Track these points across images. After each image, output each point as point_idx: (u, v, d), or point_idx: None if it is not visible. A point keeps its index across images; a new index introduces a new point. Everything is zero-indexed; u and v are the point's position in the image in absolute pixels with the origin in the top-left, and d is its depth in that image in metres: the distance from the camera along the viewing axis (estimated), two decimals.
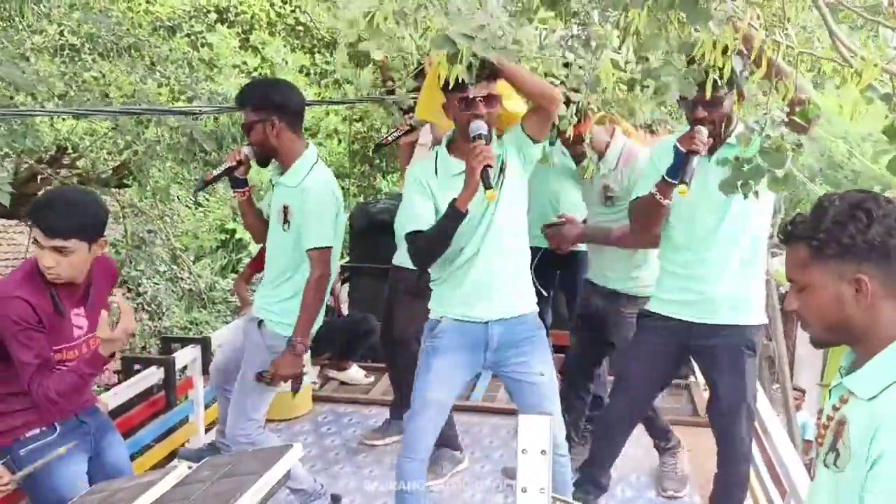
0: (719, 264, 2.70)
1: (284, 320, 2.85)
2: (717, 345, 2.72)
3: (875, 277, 1.38)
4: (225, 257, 10.76)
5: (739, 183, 2.06)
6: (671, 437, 3.53)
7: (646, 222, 2.79)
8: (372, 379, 4.78)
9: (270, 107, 2.82)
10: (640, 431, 3.08)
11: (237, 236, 10.92)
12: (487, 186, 2.41)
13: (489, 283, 2.61)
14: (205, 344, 4.06)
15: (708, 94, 2.24)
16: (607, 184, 3.24)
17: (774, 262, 6.20)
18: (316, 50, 6.38)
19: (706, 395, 4.47)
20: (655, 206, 2.65)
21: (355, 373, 4.77)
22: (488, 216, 2.57)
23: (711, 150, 2.64)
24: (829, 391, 1.51)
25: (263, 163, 2.97)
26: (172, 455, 3.82)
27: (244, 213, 3.14)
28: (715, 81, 2.16)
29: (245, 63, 7.30)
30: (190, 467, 2.04)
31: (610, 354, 3.47)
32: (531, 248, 3.01)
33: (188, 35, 6.65)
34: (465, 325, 2.64)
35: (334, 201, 2.90)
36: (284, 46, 6.94)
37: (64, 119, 6.69)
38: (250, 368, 2.88)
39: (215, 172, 2.99)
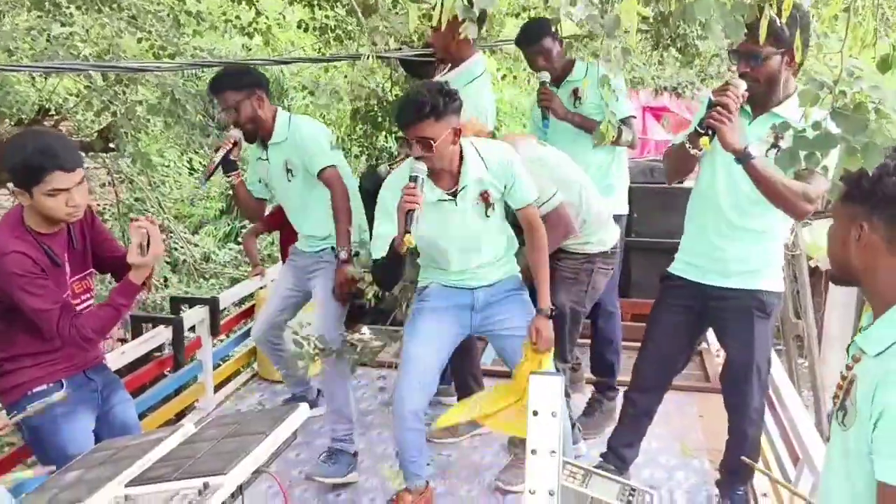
0: (734, 227, 2.64)
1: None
2: (728, 307, 2.70)
3: (877, 230, 1.38)
4: (228, 224, 10.52)
5: (803, 155, 1.64)
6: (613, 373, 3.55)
7: (674, 169, 2.77)
8: (382, 342, 4.75)
9: (250, 83, 3.06)
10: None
11: None
12: (406, 231, 2.43)
13: (473, 269, 2.78)
14: (213, 304, 4.04)
15: (763, 37, 1.95)
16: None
17: (805, 234, 6.02)
18: (316, 3, 5.99)
19: (719, 360, 4.45)
20: (684, 155, 2.60)
21: (366, 336, 4.74)
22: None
23: (756, 113, 2.57)
24: (847, 349, 1.48)
25: (252, 138, 3.18)
26: (181, 415, 3.84)
27: (237, 195, 3.33)
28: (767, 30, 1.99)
29: (238, 17, 6.64)
30: (197, 425, 2.03)
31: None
32: None
33: None
34: (451, 288, 2.79)
35: (324, 129, 3.24)
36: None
37: (45, 77, 6.35)
38: (329, 291, 3.24)
39: (215, 160, 3.10)
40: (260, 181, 3.32)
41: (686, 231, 2.84)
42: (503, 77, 7.57)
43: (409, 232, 2.43)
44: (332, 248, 3.25)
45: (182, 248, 8.55)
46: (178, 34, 5.68)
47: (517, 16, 5.83)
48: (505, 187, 2.68)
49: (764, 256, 2.69)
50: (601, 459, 3.00)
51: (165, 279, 8.05)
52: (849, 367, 1.42)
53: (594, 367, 3.79)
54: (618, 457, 2.98)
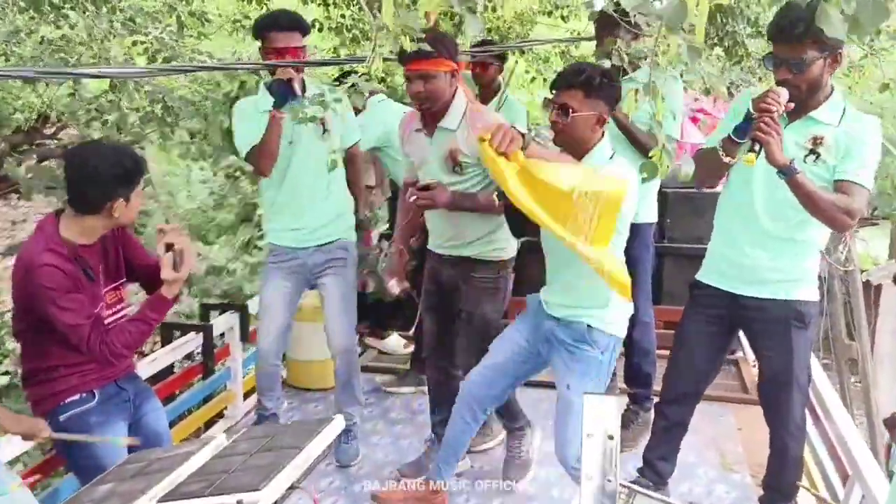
0: (769, 236, 2.55)
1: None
2: (763, 318, 2.61)
3: None
4: (248, 233, 10.06)
5: None
6: (520, 416, 3.23)
7: (705, 175, 2.66)
8: (412, 348, 4.70)
9: (305, 29, 3.12)
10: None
11: (259, 211, 10.21)
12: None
13: None
14: (243, 311, 4.02)
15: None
16: (455, 148, 2.85)
17: (858, 246, 5.76)
18: (332, 1, 5.73)
19: (755, 370, 4.34)
20: (716, 161, 2.48)
21: (395, 342, 4.71)
22: None
23: (792, 117, 2.46)
24: None
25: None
26: (210, 423, 3.81)
27: (271, 136, 3.07)
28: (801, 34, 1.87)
29: (247, 17, 6.21)
30: (228, 435, 1.99)
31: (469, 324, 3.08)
32: None
33: None
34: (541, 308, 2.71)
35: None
36: None
37: (47, 84, 6.08)
38: (351, 286, 3.34)
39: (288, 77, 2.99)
40: (290, 143, 3.15)
41: (714, 238, 2.74)
42: (532, 79, 7.43)
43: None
44: (341, 240, 3.28)
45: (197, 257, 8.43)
46: (179, 36, 5.34)
47: (549, 14, 5.74)
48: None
49: (801, 265, 2.59)
50: (638, 474, 2.91)
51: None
52: None
53: (629, 378, 3.69)
54: (654, 471, 2.89)
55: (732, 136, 2.40)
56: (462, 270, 2.99)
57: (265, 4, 5.95)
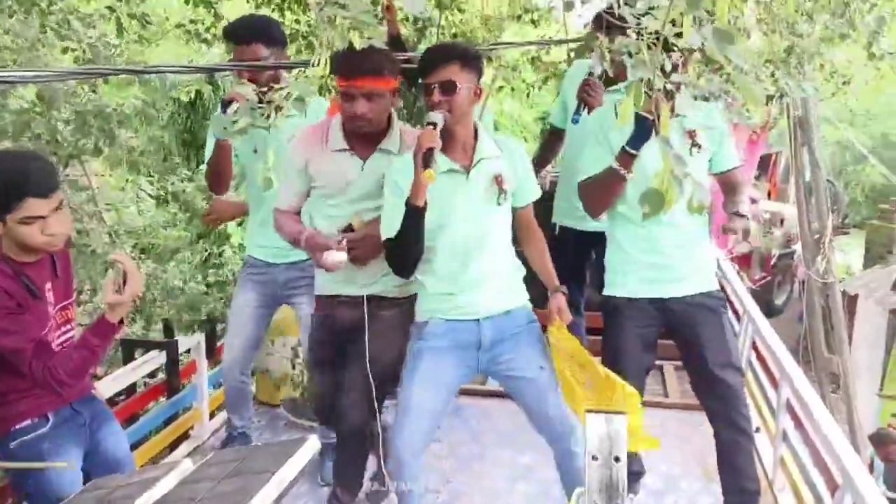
0: (682, 234, 2.64)
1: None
2: (691, 312, 2.67)
3: None
4: (205, 250, 9.38)
5: None
6: None
7: (603, 201, 2.65)
8: None
9: (280, 41, 2.90)
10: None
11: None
12: (426, 166, 2.25)
13: (476, 280, 2.49)
14: (210, 325, 3.87)
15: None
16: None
17: (836, 257, 5.75)
18: (286, 6, 5.39)
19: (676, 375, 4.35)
20: (618, 180, 2.50)
21: None
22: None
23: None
24: None
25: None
26: (175, 444, 3.65)
27: (217, 160, 2.91)
28: None
29: (193, 23, 5.69)
30: (195, 461, 1.86)
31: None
32: (564, 227, 2.91)
33: None
34: (454, 322, 2.49)
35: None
36: (248, 2, 5.40)
37: None
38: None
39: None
40: (255, 151, 2.96)
41: (626, 250, 2.70)
42: (500, 88, 7.21)
43: (430, 166, 2.24)
44: None
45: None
46: (120, 39, 4.91)
47: (518, 18, 5.62)
48: (516, 178, 2.51)
49: (706, 254, 2.74)
50: None
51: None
52: None
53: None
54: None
55: (628, 149, 2.42)
56: (365, 311, 2.64)
57: (213, 8, 5.41)
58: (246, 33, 2.85)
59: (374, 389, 2.59)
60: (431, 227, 2.39)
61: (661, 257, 2.65)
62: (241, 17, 3.14)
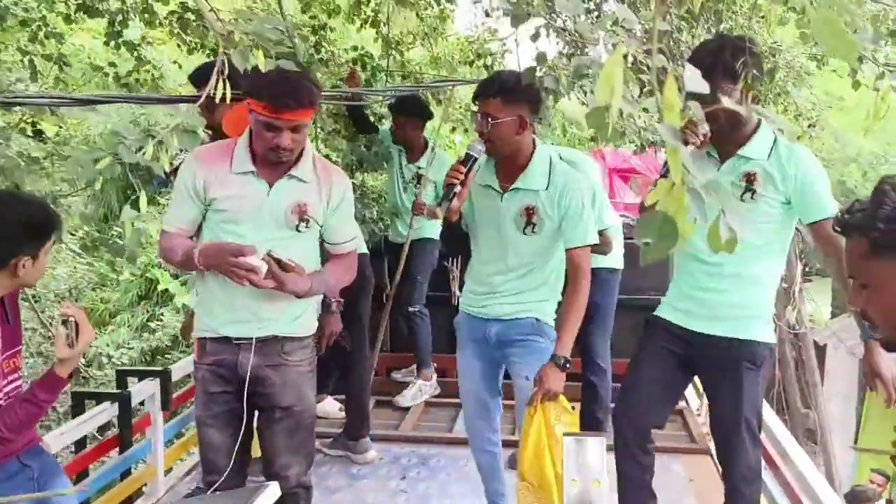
0: (721, 270, 2.48)
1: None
2: (714, 356, 2.52)
3: None
4: (147, 311, 9.04)
5: None
6: None
7: None
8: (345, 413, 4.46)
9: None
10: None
11: (160, 287, 9.11)
12: (446, 199, 2.50)
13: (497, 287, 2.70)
14: (164, 377, 3.72)
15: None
16: (304, 202, 2.42)
17: (808, 307, 5.62)
18: (218, 47, 5.06)
19: (701, 420, 4.27)
20: None
21: (329, 406, 4.46)
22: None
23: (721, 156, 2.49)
24: None
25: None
26: (128, 501, 3.47)
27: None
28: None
29: (113, 65, 5.24)
30: None
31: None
32: None
33: (24, 23, 4.61)
34: (473, 319, 2.76)
35: None
36: (179, 47, 4.96)
37: None
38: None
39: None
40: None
41: (673, 275, 2.68)
42: (453, 129, 7.01)
43: (450, 200, 2.49)
44: None
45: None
46: (33, 82, 4.56)
47: (471, 64, 5.60)
48: (559, 217, 2.58)
49: (755, 302, 2.52)
50: None
51: None
52: None
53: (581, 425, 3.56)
54: None
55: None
56: (269, 355, 2.42)
57: (136, 51, 4.99)
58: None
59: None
60: (472, 229, 2.75)
61: (692, 289, 2.55)
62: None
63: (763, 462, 3.01)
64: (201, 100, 2.14)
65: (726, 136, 2.43)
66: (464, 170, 2.50)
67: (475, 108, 2.58)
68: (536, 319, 2.66)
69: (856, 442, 8.65)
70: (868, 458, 8.66)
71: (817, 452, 6.53)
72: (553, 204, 2.56)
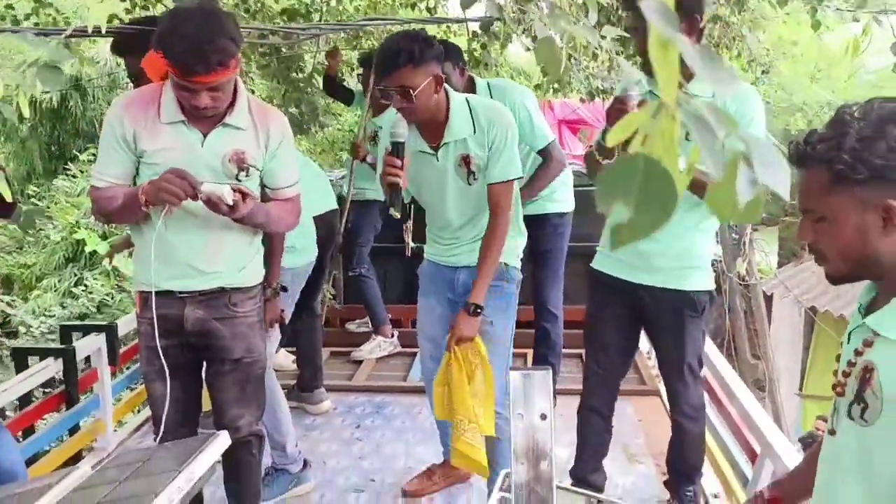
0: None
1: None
2: (656, 306, 2.57)
3: None
4: (75, 275, 8.70)
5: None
6: None
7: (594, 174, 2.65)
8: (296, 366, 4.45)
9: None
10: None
11: (87, 248, 8.83)
12: (390, 205, 2.40)
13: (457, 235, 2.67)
14: (111, 331, 3.64)
15: None
16: (242, 149, 2.29)
17: (757, 257, 5.68)
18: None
19: (651, 363, 4.36)
20: (596, 162, 2.48)
21: (283, 358, 4.43)
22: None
23: None
24: (849, 335, 1.31)
25: None
26: (76, 458, 3.41)
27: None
28: None
29: (10, 7, 4.60)
30: (94, 467, 1.71)
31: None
32: None
33: None
34: (436, 266, 2.74)
35: None
36: None
37: None
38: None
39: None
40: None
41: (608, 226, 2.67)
42: None
43: (394, 206, 2.39)
44: None
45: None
46: None
47: (413, 6, 5.39)
48: (487, 155, 2.48)
49: (692, 252, 2.53)
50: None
51: None
52: (858, 353, 1.24)
53: None
54: (592, 488, 2.70)
55: (600, 142, 2.45)
56: (216, 308, 2.35)
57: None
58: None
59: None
60: (417, 197, 2.65)
61: (639, 243, 2.52)
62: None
63: (709, 400, 3.11)
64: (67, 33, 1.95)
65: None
66: (398, 162, 2.37)
67: (382, 88, 2.37)
68: (505, 264, 2.62)
69: (801, 389, 8.96)
70: (813, 405, 8.89)
71: (765, 400, 6.73)
72: (481, 145, 2.48)
